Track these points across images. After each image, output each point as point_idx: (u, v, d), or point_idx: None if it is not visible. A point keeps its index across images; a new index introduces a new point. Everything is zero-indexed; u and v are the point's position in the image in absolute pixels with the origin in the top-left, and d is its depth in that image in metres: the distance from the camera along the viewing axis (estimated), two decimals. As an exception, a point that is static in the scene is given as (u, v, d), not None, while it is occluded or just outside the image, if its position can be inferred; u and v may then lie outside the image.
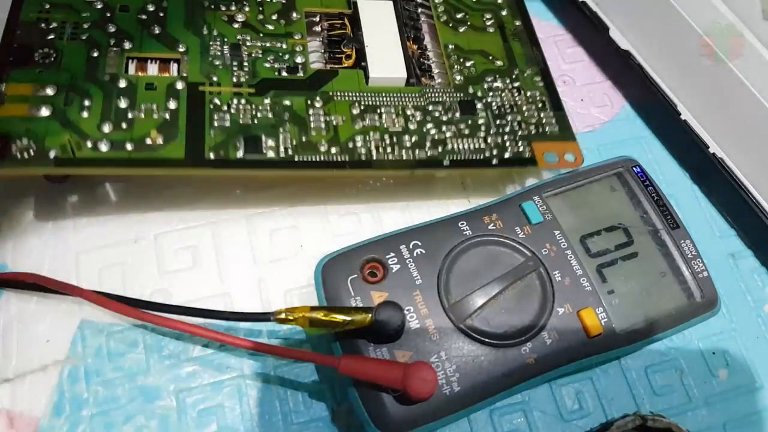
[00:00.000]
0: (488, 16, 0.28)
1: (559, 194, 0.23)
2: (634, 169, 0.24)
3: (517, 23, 0.28)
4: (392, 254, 0.21)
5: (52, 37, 0.23)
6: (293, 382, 0.22)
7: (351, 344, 0.20)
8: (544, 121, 0.25)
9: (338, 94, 0.24)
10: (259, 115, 0.23)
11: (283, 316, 0.19)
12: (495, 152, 0.24)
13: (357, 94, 0.24)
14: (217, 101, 0.23)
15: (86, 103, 0.21)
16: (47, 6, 0.23)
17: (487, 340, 0.20)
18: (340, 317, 0.19)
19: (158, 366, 0.22)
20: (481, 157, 0.24)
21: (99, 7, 0.24)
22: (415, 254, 0.22)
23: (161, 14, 0.24)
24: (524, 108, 0.26)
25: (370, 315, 0.19)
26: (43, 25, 0.23)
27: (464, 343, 0.20)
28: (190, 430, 0.21)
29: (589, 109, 0.30)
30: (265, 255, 0.24)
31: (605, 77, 0.31)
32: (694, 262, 0.22)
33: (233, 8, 0.25)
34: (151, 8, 0.24)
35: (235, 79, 0.23)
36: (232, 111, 0.22)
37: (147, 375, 0.22)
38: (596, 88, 0.30)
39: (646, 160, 0.28)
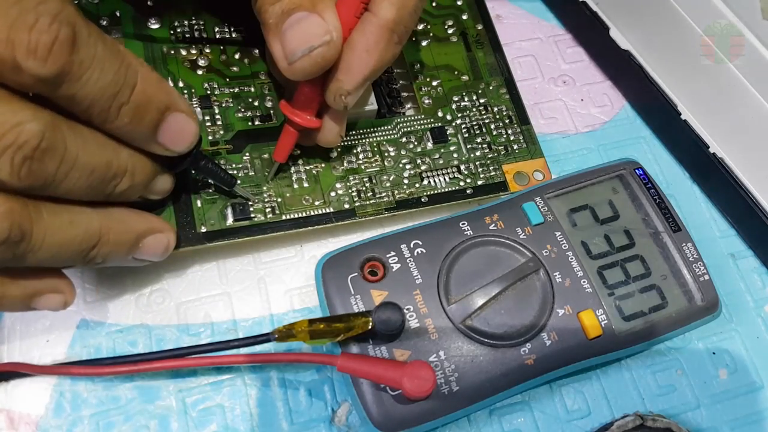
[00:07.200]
0: (450, 23, 0.28)
1: (561, 195, 0.23)
2: (636, 171, 0.24)
3: (479, 27, 0.28)
4: (393, 253, 0.21)
5: None
6: (293, 382, 0.22)
7: (349, 342, 0.20)
8: (512, 138, 0.26)
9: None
10: (241, 174, 0.23)
11: (283, 333, 0.19)
12: (469, 181, 0.24)
13: None
14: None
15: None
16: None
17: (486, 340, 0.20)
18: (341, 325, 0.19)
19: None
20: (456, 188, 0.24)
21: None
22: (415, 253, 0.22)
23: None
24: (492, 127, 0.26)
25: (371, 318, 0.19)
26: None
27: (463, 343, 0.20)
28: (190, 430, 0.21)
29: (589, 109, 0.30)
30: (264, 255, 0.24)
31: (605, 77, 0.30)
32: (695, 265, 0.22)
33: (193, 51, 0.24)
34: None
35: (211, 137, 0.23)
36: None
37: (147, 375, 0.22)
38: (596, 88, 0.30)
39: (646, 160, 0.28)
